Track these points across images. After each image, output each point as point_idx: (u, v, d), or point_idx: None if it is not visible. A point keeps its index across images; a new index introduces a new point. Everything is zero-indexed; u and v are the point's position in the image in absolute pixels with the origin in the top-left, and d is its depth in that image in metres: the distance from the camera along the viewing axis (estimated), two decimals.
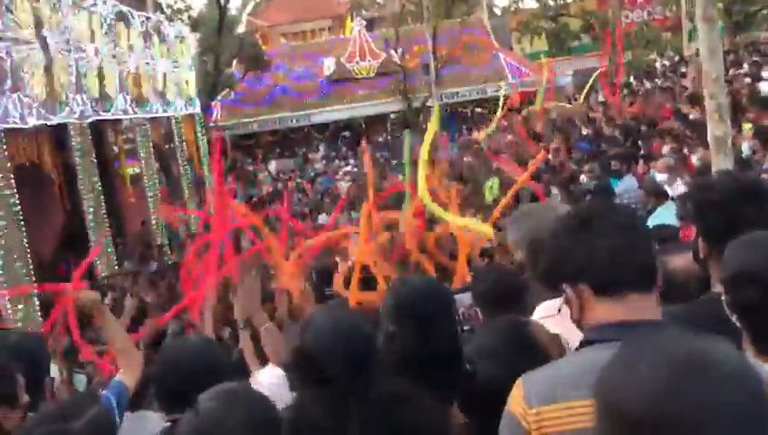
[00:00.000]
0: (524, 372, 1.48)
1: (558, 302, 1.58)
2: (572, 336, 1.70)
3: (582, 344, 1.46)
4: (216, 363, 2.14)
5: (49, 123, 10.17)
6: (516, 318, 2.24)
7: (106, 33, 12.37)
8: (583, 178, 8.67)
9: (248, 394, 1.48)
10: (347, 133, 27.30)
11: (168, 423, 2.05)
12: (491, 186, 8.54)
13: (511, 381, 1.48)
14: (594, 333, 1.43)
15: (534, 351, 2.00)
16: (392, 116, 27.32)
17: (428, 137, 4.95)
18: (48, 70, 10.13)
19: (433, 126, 5.81)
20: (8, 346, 2.37)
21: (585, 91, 17.50)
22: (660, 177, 7.29)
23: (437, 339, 1.84)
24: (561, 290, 1.50)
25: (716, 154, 3.55)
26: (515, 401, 1.43)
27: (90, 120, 11.50)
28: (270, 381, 2.64)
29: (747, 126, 8.60)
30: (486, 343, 2.14)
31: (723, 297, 1.64)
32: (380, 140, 26.56)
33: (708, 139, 3.57)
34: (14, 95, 9.13)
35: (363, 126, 27.50)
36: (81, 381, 2.53)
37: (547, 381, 1.42)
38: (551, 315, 1.99)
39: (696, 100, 10.38)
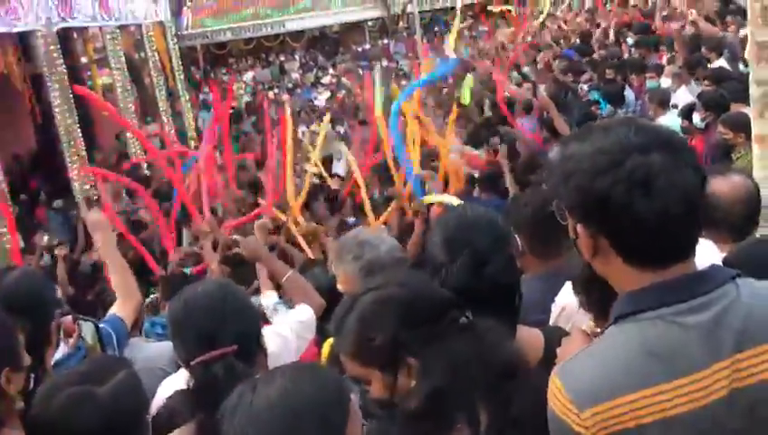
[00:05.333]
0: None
1: None
2: None
3: (618, 319, 1.24)
4: (238, 302, 1.96)
5: (14, 30, 9.59)
6: None
7: None
8: (583, 87, 8.37)
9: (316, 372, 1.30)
10: (325, 45, 26.39)
11: (186, 372, 1.84)
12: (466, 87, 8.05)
13: None
14: (629, 304, 1.22)
15: None
16: (370, 23, 26.42)
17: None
18: None
19: None
20: (2, 293, 1.95)
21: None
22: (665, 82, 7.05)
23: (494, 271, 1.67)
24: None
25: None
26: (560, 403, 1.21)
27: (57, 27, 10.86)
28: (307, 316, 2.50)
29: None
30: None
31: None
32: (359, 50, 25.70)
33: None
34: None
35: (339, 35, 26.61)
36: (88, 328, 2.26)
37: (592, 375, 1.20)
38: None
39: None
